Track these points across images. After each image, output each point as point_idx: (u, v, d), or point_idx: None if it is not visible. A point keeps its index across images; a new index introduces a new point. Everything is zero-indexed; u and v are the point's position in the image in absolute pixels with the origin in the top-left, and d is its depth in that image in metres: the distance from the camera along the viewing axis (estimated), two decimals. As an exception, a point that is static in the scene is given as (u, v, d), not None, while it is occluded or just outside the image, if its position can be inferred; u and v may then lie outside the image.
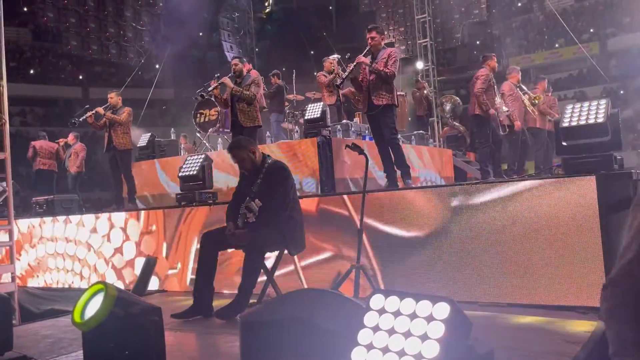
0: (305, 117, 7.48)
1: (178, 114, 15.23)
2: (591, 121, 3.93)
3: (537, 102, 7.76)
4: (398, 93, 7.30)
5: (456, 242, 4.20)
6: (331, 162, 6.87)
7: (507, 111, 7.17)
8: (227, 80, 6.42)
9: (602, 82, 21.52)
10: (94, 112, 7.57)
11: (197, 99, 8.54)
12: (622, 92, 21.69)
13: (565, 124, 4.06)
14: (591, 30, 23.67)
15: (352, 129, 8.18)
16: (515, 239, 3.96)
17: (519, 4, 26.40)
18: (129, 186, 7.75)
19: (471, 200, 4.16)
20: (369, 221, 4.53)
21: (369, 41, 5.75)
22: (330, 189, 6.63)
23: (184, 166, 6.18)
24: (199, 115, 9.90)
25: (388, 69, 5.57)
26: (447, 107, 12.14)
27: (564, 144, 4.11)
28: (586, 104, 4.08)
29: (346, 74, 5.74)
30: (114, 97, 7.71)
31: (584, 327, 3.33)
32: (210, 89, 6.64)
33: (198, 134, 9.90)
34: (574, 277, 3.75)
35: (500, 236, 4.02)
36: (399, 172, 5.88)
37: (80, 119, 7.64)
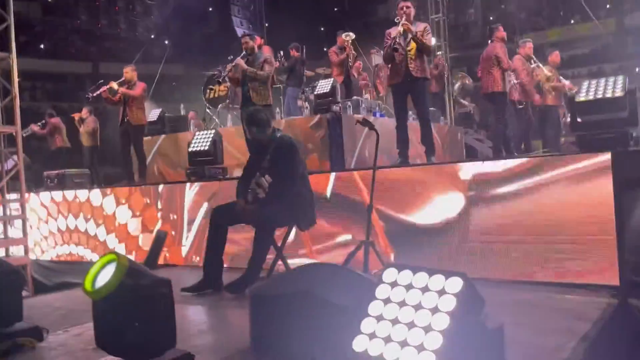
0: (315, 93, 7.43)
1: (188, 89, 15.17)
2: (608, 95, 3.84)
3: (552, 80, 7.63)
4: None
5: (469, 218, 4.17)
6: (341, 138, 6.83)
7: (518, 84, 7.10)
8: (240, 61, 6.32)
9: (617, 60, 21.11)
10: (108, 86, 7.54)
11: (217, 81, 8.44)
12: (637, 69, 21.26)
13: (582, 98, 3.98)
14: (608, 7, 23.12)
15: (363, 105, 8.10)
16: (527, 215, 3.92)
17: (535, -21, 25.81)
18: (140, 161, 7.76)
19: (482, 178, 4.11)
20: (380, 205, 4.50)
21: (404, 10, 5.49)
22: (340, 166, 6.59)
23: (194, 141, 6.17)
24: (208, 90, 9.86)
25: (429, 42, 5.47)
26: (456, 85, 12.00)
27: (579, 120, 4.03)
28: (603, 79, 4.00)
29: (398, 39, 5.44)
30: (129, 72, 7.64)
31: (595, 305, 3.31)
32: (225, 73, 6.57)
33: (208, 110, 9.87)
34: (586, 254, 3.71)
35: (511, 212, 3.98)
36: (420, 149, 5.76)
37: (95, 94, 7.63)
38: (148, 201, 6.15)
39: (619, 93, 3.76)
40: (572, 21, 24.05)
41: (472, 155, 10.05)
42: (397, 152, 5.75)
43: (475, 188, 4.14)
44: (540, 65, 7.64)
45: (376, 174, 4.03)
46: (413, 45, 5.48)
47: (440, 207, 4.29)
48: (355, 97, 8.24)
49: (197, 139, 6.19)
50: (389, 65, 5.76)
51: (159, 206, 6.05)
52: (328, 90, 7.21)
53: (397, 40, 5.47)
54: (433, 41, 13.98)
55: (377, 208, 4.49)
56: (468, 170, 4.20)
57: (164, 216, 6.01)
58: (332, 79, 7.70)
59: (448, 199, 4.27)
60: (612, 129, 3.83)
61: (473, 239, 4.15)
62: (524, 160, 4.02)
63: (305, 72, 9.61)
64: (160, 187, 6.16)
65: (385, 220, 4.57)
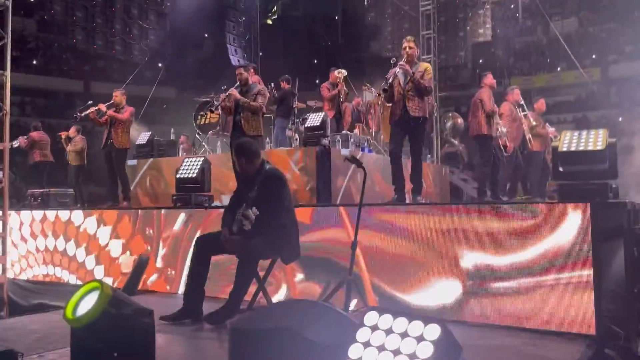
0: (306, 125, 7.52)
1: (179, 113, 15.26)
2: (590, 147, 3.97)
3: (535, 129, 7.85)
4: (388, 105, 7.34)
5: (448, 261, 4.22)
6: (329, 172, 6.90)
7: (506, 131, 7.23)
8: (234, 91, 6.42)
9: (601, 108, 21.68)
10: (96, 108, 7.58)
11: (210, 110, 8.53)
12: (620, 119, 21.85)
13: (564, 149, 4.10)
14: (593, 57, 23.86)
15: (352, 140, 8.21)
16: (506, 261, 3.98)
17: (523, 26, 26.63)
18: (123, 184, 7.73)
19: (465, 221, 4.18)
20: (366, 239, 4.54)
21: (406, 50, 5.60)
22: (326, 200, 6.64)
23: (182, 168, 6.19)
24: (200, 117, 9.92)
25: (427, 83, 5.54)
26: (448, 124, 12.22)
27: (561, 169, 4.15)
28: (584, 131, 4.13)
29: (390, 80, 5.54)
30: (118, 96, 7.69)
31: (570, 353, 3.35)
32: (218, 103, 6.67)
33: (197, 136, 9.91)
34: (563, 303, 3.77)
35: (490, 258, 4.04)
36: (408, 185, 5.81)
37: (83, 114, 7.65)
38: (131, 225, 6.12)
39: (600, 146, 3.89)
40: (559, 68, 24.74)
41: (456, 195, 10.17)
42: (384, 189, 5.82)
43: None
44: (528, 113, 7.85)
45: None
46: (411, 85, 5.56)
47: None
48: (344, 132, 8.35)
49: (185, 165, 6.21)
50: (389, 104, 5.85)
51: (143, 231, 6.02)
52: (319, 124, 7.31)
53: (390, 80, 5.59)
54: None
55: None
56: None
57: (146, 241, 5.97)
58: (323, 113, 7.81)
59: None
60: (592, 180, 3.94)
61: (447, 280, 4.17)
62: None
63: (297, 103, 9.74)
64: (144, 211, 6.14)
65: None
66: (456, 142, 12.07)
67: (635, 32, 21.68)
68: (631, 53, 22.63)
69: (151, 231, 5.96)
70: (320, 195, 6.73)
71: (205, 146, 9.62)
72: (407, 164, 5.95)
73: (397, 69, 5.55)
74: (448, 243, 4.24)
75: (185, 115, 12.12)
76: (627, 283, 3.72)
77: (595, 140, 3.94)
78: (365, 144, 8.83)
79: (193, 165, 6.12)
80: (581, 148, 3.97)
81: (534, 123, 7.85)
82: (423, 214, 4.44)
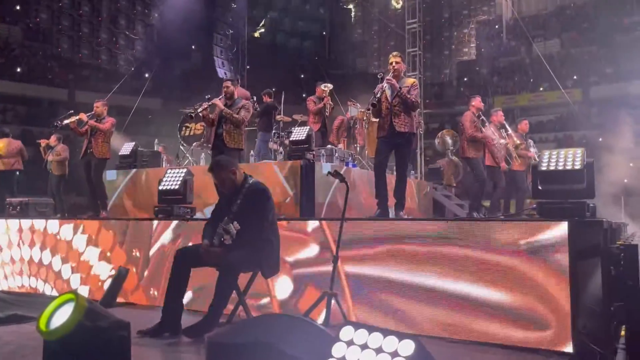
0: (291, 139, 7.54)
1: (163, 124, 15.19)
2: (568, 167, 4.04)
3: (519, 148, 8.01)
4: (373, 120, 7.38)
5: (430, 278, 4.24)
6: (312, 186, 6.91)
7: (505, 142, 7.46)
8: (217, 101, 6.45)
9: (582, 128, 22.06)
10: (77, 117, 7.51)
11: (189, 116, 8.52)
12: (600, 139, 22.25)
13: (543, 168, 4.17)
14: (575, 77, 24.34)
15: (336, 154, 8.25)
16: (484, 278, 4.01)
17: (508, 46, 27.12)
18: (99, 195, 7.62)
19: (448, 236, 4.21)
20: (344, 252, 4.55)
21: (393, 65, 5.64)
22: (310, 213, 6.64)
23: (164, 179, 6.15)
24: (184, 128, 9.91)
25: (414, 98, 5.59)
26: (449, 140, 12.36)
27: (540, 187, 4.21)
28: (563, 151, 4.20)
29: (378, 94, 5.57)
30: (99, 107, 7.62)
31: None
32: (200, 109, 6.66)
33: (182, 147, 9.88)
34: (540, 320, 3.80)
35: (470, 275, 4.07)
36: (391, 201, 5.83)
37: (63, 123, 7.58)
38: (111, 236, 6.05)
39: (577, 166, 3.96)
40: (541, 88, 25.17)
41: (439, 212, 10.23)
42: (367, 203, 5.83)
43: (434, 247, 4.23)
44: (512, 134, 8.01)
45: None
46: (398, 100, 5.59)
47: (404, 254, 4.35)
48: (329, 146, 8.39)
49: (167, 177, 6.18)
50: (376, 119, 5.86)
51: (122, 242, 5.96)
52: (304, 138, 7.33)
53: (378, 95, 5.63)
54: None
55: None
56: (436, 230, 4.28)
57: (126, 252, 5.91)
58: (308, 127, 7.85)
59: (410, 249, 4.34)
60: (570, 199, 4.01)
61: (426, 297, 4.20)
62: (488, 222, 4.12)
63: (281, 116, 9.79)
64: (125, 222, 6.08)
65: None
66: (457, 159, 12.19)
67: (615, 55, 22.20)
68: (611, 75, 23.13)
69: (132, 243, 5.90)
70: (304, 209, 6.73)
71: (190, 158, 9.60)
72: (391, 180, 5.99)
73: (385, 84, 5.60)
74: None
75: (170, 126, 12.09)
76: (604, 301, 3.77)
77: (573, 159, 4.01)
78: (350, 158, 8.88)
79: (176, 177, 6.09)
80: (560, 167, 4.04)
81: (518, 142, 8.01)
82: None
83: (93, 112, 7.64)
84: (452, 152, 12.34)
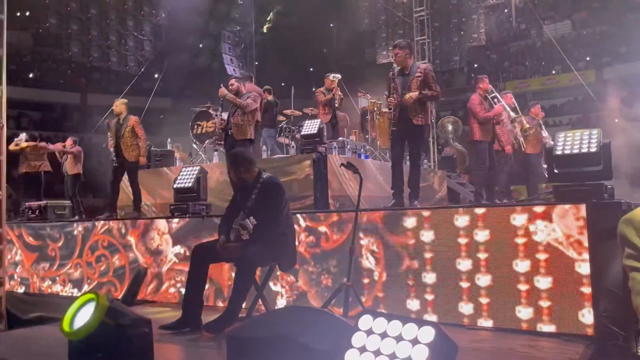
0: (302, 133, 7.54)
1: (175, 123, 15.29)
2: (584, 150, 3.99)
3: (528, 132, 7.90)
4: (384, 110, 7.30)
5: (447, 263, 4.23)
6: (325, 179, 6.91)
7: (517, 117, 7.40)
8: (222, 89, 6.50)
9: (597, 110, 21.73)
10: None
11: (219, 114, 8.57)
12: (616, 120, 21.91)
13: (558, 152, 4.12)
14: (587, 59, 23.97)
15: (348, 146, 8.23)
16: (503, 264, 4.00)
17: (517, 30, 26.76)
18: (135, 197, 7.54)
19: (462, 223, 4.19)
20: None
21: (394, 58, 5.73)
22: (324, 206, 6.65)
23: (179, 178, 6.20)
24: (196, 126, 9.94)
25: (434, 90, 5.54)
26: (450, 127, 12.25)
27: (556, 171, 4.16)
28: (578, 132, 4.15)
29: (392, 111, 5.61)
30: (118, 106, 7.51)
31: (569, 354, 3.35)
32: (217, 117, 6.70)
33: (194, 145, 9.93)
34: (561, 304, 3.78)
35: (489, 260, 4.05)
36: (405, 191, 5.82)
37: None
38: (130, 235, 6.12)
39: (594, 148, 3.90)
40: (554, 71, 24.82)
41: (454, 199, 10.18)
42: (382, 193, 5.82)
43: (451, 233, 4.21)
44: (522, 116, 7.90)
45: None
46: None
47: (422, 243, 4.33)
48: (340, 138, 8.38)
49: (182, 175, 6.23)
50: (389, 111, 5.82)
51: (141, 241, 6.02)
52: (315, 132, 7.33)
53: (392, 109, 5.61)
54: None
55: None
56: (450, 216, 4.27)
57: (145, 252, 5.97)
58: (318, 120, 7.84)
59: (429, 237, 4.33)
60: (587, 181, 3.96)
61: (446, 282, 4.20)
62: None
63: (292, 111, 9.80)
64: (143, 222, 6.14)
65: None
66: (459, 145, 12.10)
67: (627, 33, 21.81)
68: (625, 54, 22.75)
69: (149, 242, 5.96)
70: (317, 202, 6.74)
71: (202, 155, 9.65)
72: (406, 170, 5.97)
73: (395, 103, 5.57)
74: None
75: (182, 125, 12.16)
76: (625, 283, 3.72)
77: (589, 142, 3.96)
78: (362, 150, 8.86)
79: (189, 174, 6.14)
80: (575, 151, 3.99)
81: (527, 125, 7.89)
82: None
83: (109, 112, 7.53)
84: (453, 139, 12.22)
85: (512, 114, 7.65)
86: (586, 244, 3.73)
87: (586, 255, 3.72)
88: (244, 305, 4.06)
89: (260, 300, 4.23)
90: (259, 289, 4.22)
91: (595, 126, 4.53)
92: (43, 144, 10.08)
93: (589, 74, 22.64)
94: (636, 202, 4.50)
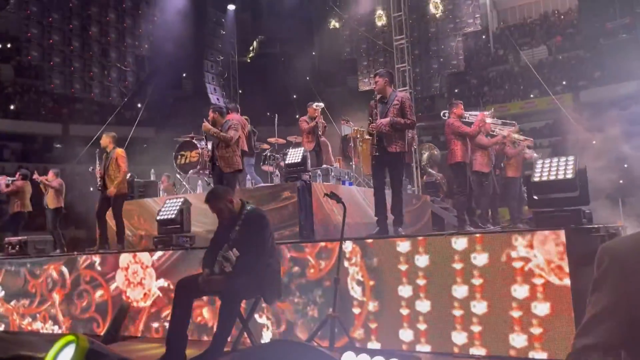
0: (286, 162, 7.57)
1: (158, 152, 15.24)
2: (560, 177, 4.08)
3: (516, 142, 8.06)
4: (366, 137, 7.41)
5: (432, 290, 4.24)
6: (310, 207, 6.92)
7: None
8: (205, 123, 6.50)
9: (575, 133, 22.15)
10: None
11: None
12: (594, 142, 22.34)
13: (536, 179, 4.20)
14: (564, 82, 24.55)
15: (332, 174, 8.28)
16: (485, 290, 4.02)
17: (495, 56, 27.40)
18: (119, 230, 7.46)
19: (446, 250, 4.23)
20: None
21: (374, 86, 5.89)
22: (309, 235, 6.64)
23: (162, 209, 6.17)
24: (180, 157, 9.93)
25: (409, 118, 5.63)
26: (424, 155, 12.40)
27: (535, 197, 4.24)
28: (555, 159, 4.25)
29: (369, 137, 5.79)
30: (104, 139, 7.48)
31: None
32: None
33: (178, 175, 9.91)
34: (542, 329, 3.80)
35: (470, 287, 4.08)
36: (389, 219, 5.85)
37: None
38: (112, 270, 6.05)
39: (570, 175, 3.99)
40: (532, 95, 25.34)
41: (438, 224, 10.23)
42: (368, 218, 5.84)
43: (434, 261, 4.23)
44: (507, 130, 8.03)
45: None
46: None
47: (406, 270, 4.34)
48: (325, 166, 8.42)
49: (165, 207, 6.19)
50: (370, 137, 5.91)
51: (123, 275, 5.95)
52: (299, 160, 7.36)
53: (373, 132, 5.70)
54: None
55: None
56: (431, 244, 4.29)
57: (128, 285, 5.90)
58: (302, 148, 7.88)
59: (413, 266, 4.33)
60: (565, 207, 4.04)
61: (430, 310, 4.20)
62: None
63: (276, 139, 9.85)
64: (125, 255, 6.08)
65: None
66: (434, 172, 12.22)
67: (601, 59, 22.44)
68: (600, 78, 23.36)
69: (132, 275, 5.89)
70: (302, 230, 6.73)
71: (186, 186, 9.62)
72: (388, 197, 6.00)
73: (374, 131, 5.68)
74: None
75: (165, 155, 12.14)
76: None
77: (565, 169, 4.05)
78: (346, 177, 8.91)
79: (173, 206, 6.11)
80: (552, 177, 4.08)
81: (515, 135, 8.04)
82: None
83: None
84: (428, 165, 12.37)
85: (504, 129, 7.79)
86: (567, 268, 3.77)
87: (567, 280, 3.76)
88: (229, 339, 4.01)
89: (245, 333, 4.19)
90: (244, 321, 4.18)
91: (574, 148, 4.65)
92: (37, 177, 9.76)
93: (566, 98, 23.16)
94: (614, 225, 4.59)
